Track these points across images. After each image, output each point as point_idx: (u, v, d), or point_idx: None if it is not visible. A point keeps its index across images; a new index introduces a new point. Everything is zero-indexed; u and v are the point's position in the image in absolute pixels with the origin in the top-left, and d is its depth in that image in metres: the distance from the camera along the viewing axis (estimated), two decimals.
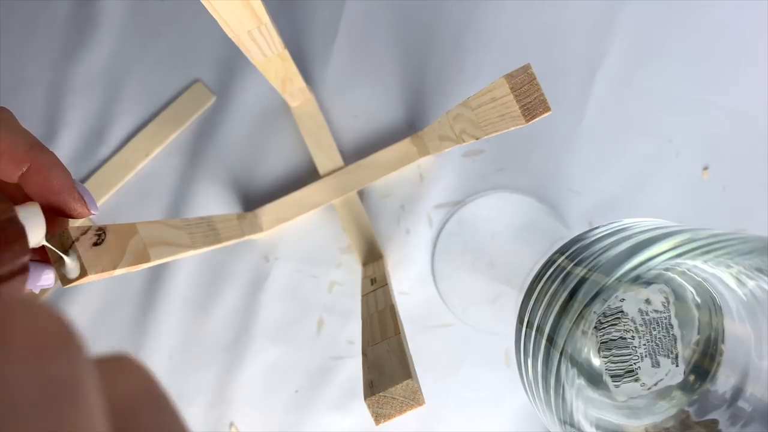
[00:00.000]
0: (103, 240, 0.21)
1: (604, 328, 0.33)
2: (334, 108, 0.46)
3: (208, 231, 0.34)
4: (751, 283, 0.30)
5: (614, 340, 0.33)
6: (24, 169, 0.21)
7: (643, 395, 0.33)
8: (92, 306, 0.44)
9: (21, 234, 0.19)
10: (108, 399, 0.12)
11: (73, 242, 0.20)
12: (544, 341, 0.29)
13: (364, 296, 0.37)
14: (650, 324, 0.33)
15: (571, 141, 0.46)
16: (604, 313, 0.33)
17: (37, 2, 0.46)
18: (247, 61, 0.46)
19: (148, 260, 0.24)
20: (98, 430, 0.10)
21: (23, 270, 0.20)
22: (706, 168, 0.45)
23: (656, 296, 0.33)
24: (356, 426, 0.45)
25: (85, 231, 0.21)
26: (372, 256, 0.45)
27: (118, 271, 0.22)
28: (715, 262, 0.28)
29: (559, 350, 0.27)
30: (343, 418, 0.45)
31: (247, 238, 0.43)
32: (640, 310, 0.33)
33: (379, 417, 0.25)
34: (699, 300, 0.33)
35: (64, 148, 0.46)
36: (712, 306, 0.32)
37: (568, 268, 0.30)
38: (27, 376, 0.10)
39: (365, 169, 0.44)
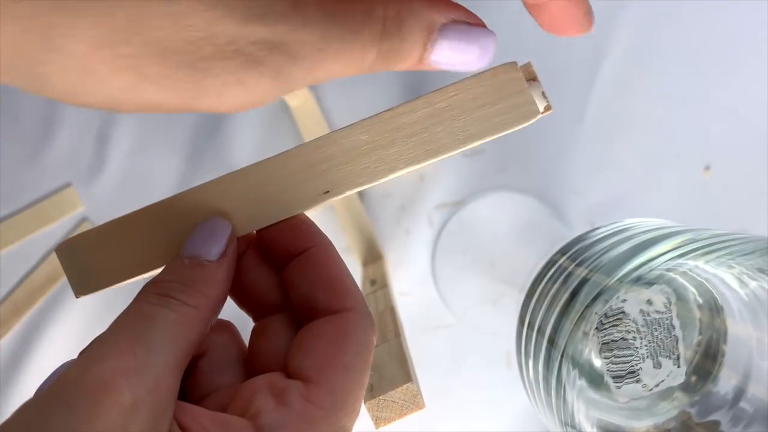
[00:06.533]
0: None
1: (605, 329, 0.33)
2: (334, 107, 0.46)
3: None
4: (753, 284, 0.30)
5: (616, 341, 0.33)
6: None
7: (644, 396, 0.33)
8: (94, 302, 0.44)
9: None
10: None
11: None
12: (545, 342, 0.29)
13: (364, 297, 0.37)
14: (652, 325, 0.33)
15: (571, 141, 0.46)
16: (605, 314, 0.33)
17: None
18: None
19: None
20: None
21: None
22: (707, 168, 0.45)
23: (658, 297, 0.33)
24: (356, 426, 0.45)
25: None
26: (372, 256, 0.45)
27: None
28: (716, 262, 0.28)
29: (560, 351, 0.27)
30: None
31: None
32: (641, 311, 0.33)
33: (378, 420, 0.25)
34: (701, 301, 0.33)
35: (63, 147, 0.46)
36: (713, 306, 0.32)
37: (570, 269, 0.30)
38: None
39: None
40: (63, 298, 0.45)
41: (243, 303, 0.23)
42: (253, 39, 0.18)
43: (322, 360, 0.19)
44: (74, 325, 0.44)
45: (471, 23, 0.20)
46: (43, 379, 0.49)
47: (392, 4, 0.19)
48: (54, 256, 0.45)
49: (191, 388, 0.21)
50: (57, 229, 0.45)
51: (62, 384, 0.16)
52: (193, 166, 0.46)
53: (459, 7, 0.20)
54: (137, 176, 0.46)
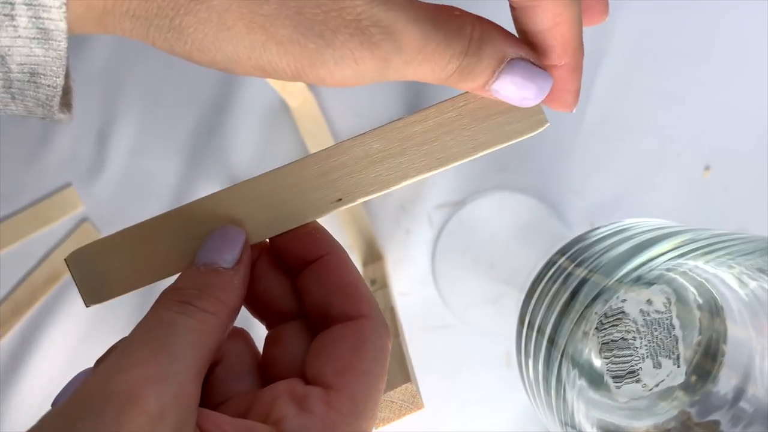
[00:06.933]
0: None
1: (605, 328, 0.33)
2: (334, 108, 0.46)
3: None
4: (752, 284, 0.30)
5: (615, 340, 0.33)
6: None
7: (644, 396, 0.33)
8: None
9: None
10: None
11: None
12: (545, 342, 0.29)
13: None
14: (652, 325, 0.33)
15: (571, 141, 0.46)
16: (605, 313, 0.33)
17: None
18: None
19: None
20: None
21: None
22: (707, 168, 0.45)
23: (658, 297, 0.33)
24: None
25: None
26: (372, 256, 0.45)
27: None
28: (716, 262, 0.28)
29: (560, 351, 0.27)
30: None
31: None
32: (641, 311, 0.33)
33: (377, 420, 0.25)
34: (700, 300, 0.33)
35: (63, 147, 0.46)
36: (713, 307, 0.32)
37: (569, 269, 0.30)
38: None
39: None
40: (63, 298, 0.45)
41: (256, 311, 0.23)
42: (375, 20, 0.19)
43: (340, 366, 0.20)
44: (74, 325, 0.44)
45: (534, 64, 0.21)
46: (43, 380, 0.49)
47: (478, 27, 0.20)
48: (54, 255, 0.45)
49: (207, 395, 0.21)
50: (57, 229, 0.45)
51: (86, 393, 0.16)
52: (193, 166, 0.46)
53: (527, 48, 0.21)
54: (137, 176, 0.46)
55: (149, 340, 0.18)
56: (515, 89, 0.21)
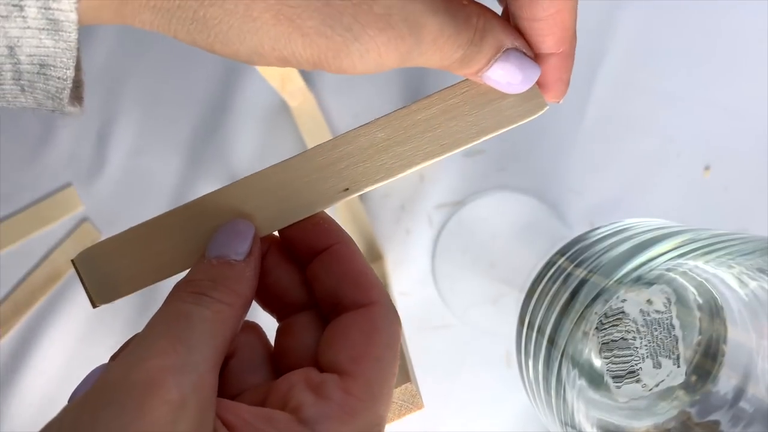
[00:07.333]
0: None
1: (605, 328, 0.33)
2: (334, 107, 0.46)
3: None
4: (752, 284, 0.30)
5: (615, 340, 0.33)
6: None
7: (644, 396, 0.33)
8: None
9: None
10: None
11: None
12: (545, 342, 0.29)
13: None
14: (652, 325, 0.33)
15: (571, 141, 0.46)
16: (605, 313, 0.33)
17: None
18: None
19: None
20: None
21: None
22: (707, 168, 0.45)
23: (658, 297, 0.33)
24: None
25: None
26: (371, 256, 0.45)
27: None
28: (716, 262, 0.28)
29: (560, 351, 0.27)
30: None
31: None
32: (641, 311, 0.33)
33: None
34: (701, 300, 0.33)
35: (63, 147, 0.46)
36: (713, 306, 0.32)
37: (569, 269, 0.30)
38: None
39: None
40: (63, 298, 0.45)
41: (267, 304, 0.23)
42: (404, 15, 0.19)
43: (355, 353, 0.20)
44: (74, 325, 0.44)
45: (526, 54, 0.22)
46: (43, 380, 0.49)
47: (482, 17, 0.21)
48: (54, 255, 0.45)
49: (222, 388, 0.21)
50: (57, 229, 0.45)
51: (107, 384, 0.16)
52: (193, 166, 0.46)
53: (522, 39, 0.22)
54: (137, 176, 0.46)
55: (166, 331, 0.18)
56: (505, 75, 0.22)
